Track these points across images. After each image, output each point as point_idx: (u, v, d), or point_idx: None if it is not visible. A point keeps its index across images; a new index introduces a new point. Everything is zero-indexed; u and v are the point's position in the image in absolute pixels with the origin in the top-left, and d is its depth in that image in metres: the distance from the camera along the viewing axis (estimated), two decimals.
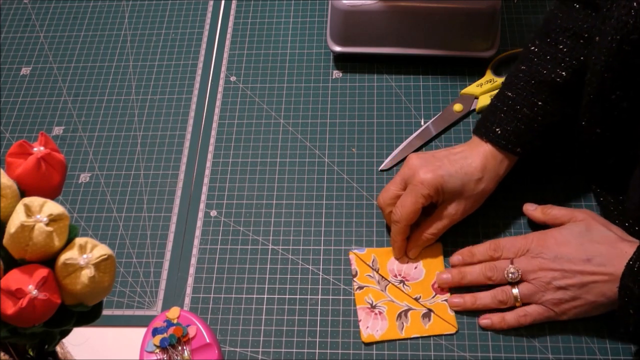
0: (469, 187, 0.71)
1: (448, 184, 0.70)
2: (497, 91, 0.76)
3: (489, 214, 0.76)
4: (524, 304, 0.68)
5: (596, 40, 0.65)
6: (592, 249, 0.66)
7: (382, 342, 0.69)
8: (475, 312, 0.70)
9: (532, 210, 0.74)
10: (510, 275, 0.68)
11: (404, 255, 0.74)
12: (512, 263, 0.69)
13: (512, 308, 0.69)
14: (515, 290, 0.68)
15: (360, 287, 0.72)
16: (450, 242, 0.74)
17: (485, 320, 0.69)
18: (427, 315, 0.70)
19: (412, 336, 0.69)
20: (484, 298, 0.69)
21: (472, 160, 0.71)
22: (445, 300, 0.71)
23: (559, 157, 0.77)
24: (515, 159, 0.73)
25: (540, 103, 0.71)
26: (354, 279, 0.73)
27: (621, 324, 0.64)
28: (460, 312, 0.70)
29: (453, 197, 0.71)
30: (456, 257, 0.72)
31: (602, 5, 0.65)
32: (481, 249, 0.71)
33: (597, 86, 0.65)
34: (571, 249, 0.67)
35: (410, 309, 0.71)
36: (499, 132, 0.71)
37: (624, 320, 0.63)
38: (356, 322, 0.70)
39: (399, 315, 0.70)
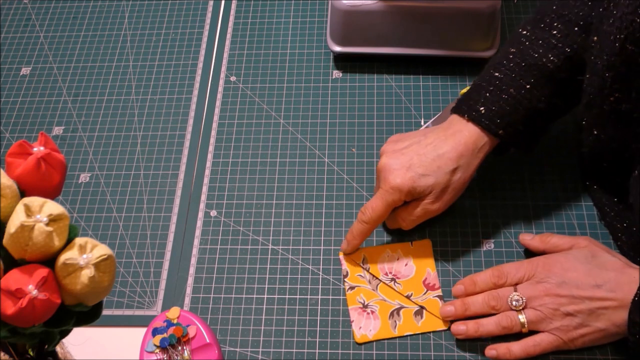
0: (443, 181, 0.69)
1: (419, 184, 0.68)
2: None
3: (488, 214, 0.76)
4: (531, 332, 0.66)
5: (594, 39, 0.64)
6: (601, 274, 0.64)
7: (376, 341, 0.69)
8: (483, 338, 0.68)
9: (529, 239, 0.71)
10: (514, 302, 0.65)
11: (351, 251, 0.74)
12: (515, 290, 0.66)
13: (518, 335, 0.66)
14: (521, 317, 0.65)
15: (352, 288, 0.72)
16: (451, 242, 0.75)
17: (491, 350, 0.66)
18: (419, 312, 0.70)
19: (405, 334, 0.69)
20: (487, 325, 0.66)
21: (445, 150, 0.69)
22: (437, 296, 0.71)
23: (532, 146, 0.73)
24: (494, 143, 0.70)
25: (527, 86, 0.68)
26: (345, 280, 0.73)
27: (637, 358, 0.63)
28: (464, 340, 0.68)
29: (428, 193, 0.69)
30: (458, 287, 0.69)
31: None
32: (484, 277, 0.68)
33: (598, 86, 0.64)
34: (579, 274, 0.64)
35: (402, 307, 0.71)
36: (483, 111, 0.69)
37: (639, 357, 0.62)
38: None
39: (392, 314, 0.70)
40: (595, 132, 0.68)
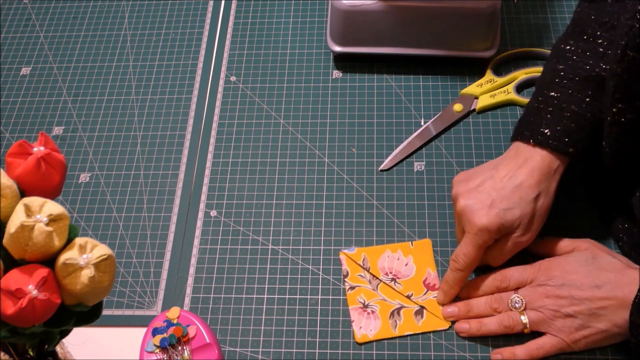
0: (528, 210, 0.67)
1: (507, 219, 0.66)
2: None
3: None
4: (534, 332, 0.66)
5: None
6: (600, 276, 0.64)
7: (377, 341, 0.69)
8: (484, 338, 0.68)
9: (531, 243, 0.71)
10: (514, 304, 0.66)
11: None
12: (516, 292, 0.67)
13: (520, 338, 0.67)
14: (523, 317, 0.66)
15: (352, 287, 0.72)
16: (451, 242, 0.74)
17: (496, 355, 0.67)
18: (419, 312, 0.70)
19: (406, 334, 0.69)
20: (489, 324, 0.67)
21: (523, 179, 0.67)
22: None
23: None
24: (566, 161, 0.69)
25: (587, 99, 0.67)
26: (345, 280, 0.73)
27: None
28: (466, 338, 0.69)
29: (516, 226, 0.67)
30: (463, 290, 0.70)
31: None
32: (487, 281, 0.69)
33: (606, 95, 0.64)
34: (579, 276, 0.65)
35: (402, 306, 0.71)
36: (548, 133, 0.67)
37: None
38: None
39: (392, 314, 0.70)
40: (604, 144, 0.67)
